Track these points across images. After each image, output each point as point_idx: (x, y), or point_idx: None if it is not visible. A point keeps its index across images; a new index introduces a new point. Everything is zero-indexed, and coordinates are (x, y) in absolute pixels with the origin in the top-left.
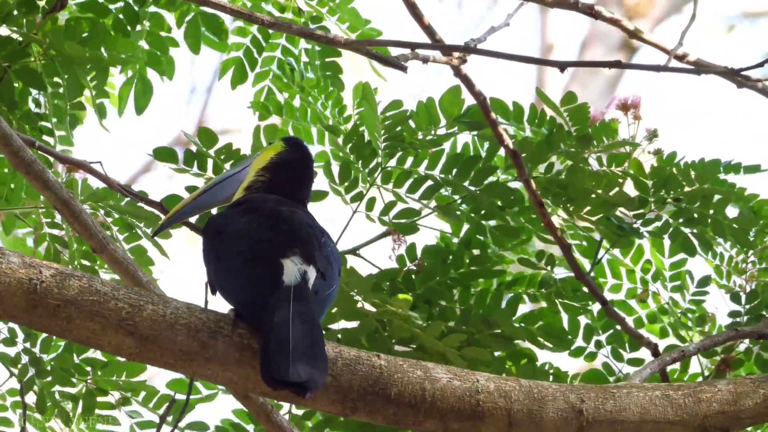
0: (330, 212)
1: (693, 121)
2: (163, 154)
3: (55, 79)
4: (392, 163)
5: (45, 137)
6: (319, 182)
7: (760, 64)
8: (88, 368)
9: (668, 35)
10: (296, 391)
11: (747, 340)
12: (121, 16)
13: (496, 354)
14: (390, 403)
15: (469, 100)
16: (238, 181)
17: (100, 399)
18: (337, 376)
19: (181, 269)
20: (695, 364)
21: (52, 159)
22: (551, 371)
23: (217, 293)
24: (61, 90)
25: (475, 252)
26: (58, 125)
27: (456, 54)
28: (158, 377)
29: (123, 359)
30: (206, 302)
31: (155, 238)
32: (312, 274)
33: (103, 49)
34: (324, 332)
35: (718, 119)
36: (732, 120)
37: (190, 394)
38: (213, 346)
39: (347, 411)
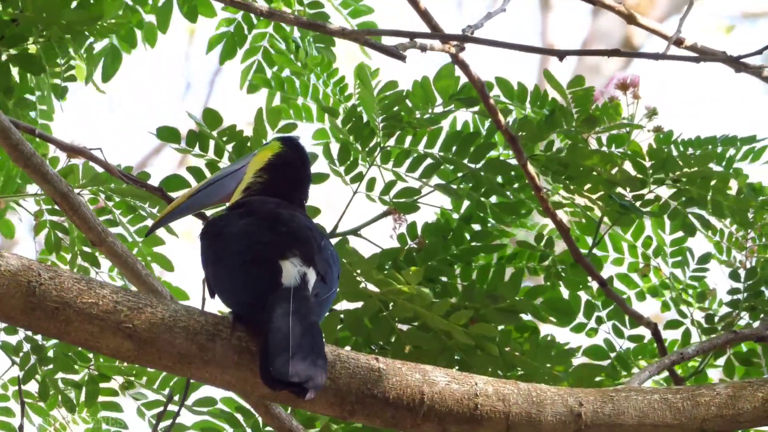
0: (330, 193)
1: (692, 114)
2: (166, 133)
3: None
4: (391, 142)
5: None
6: (319, 164)
7: (759, 52)
8: (90, 354)
9: (669, 33)
10: (295, 392)
11: (746, 315)
12: None
13: (501, 328)
14: (388, 406)
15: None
16: (235, 179)
17: (103, 385)
18: (335, 379)
19: (179, 263)
20: (697, 338)
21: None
22: (553, 344)
23: (216, 296)
24: (53, 60)
25: (476, 227)
26: (41, 99)
27: (454, 42)
28: None
29: None
30: (203, 303)
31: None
32: (312, 276)
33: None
34: (327, 314)
35: (717, 109)
36: (730, 110)
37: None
38: (211, 349)
39: (345, 414)
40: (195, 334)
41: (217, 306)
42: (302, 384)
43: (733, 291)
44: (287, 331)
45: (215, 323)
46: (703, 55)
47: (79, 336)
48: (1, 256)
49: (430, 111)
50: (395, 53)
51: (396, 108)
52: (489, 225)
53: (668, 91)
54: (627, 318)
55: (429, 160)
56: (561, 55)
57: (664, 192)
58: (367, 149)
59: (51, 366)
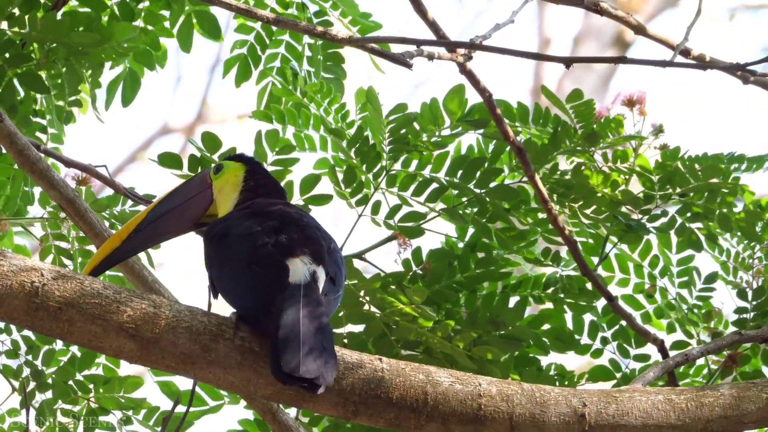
0: (335, 216)
1: (686, 113)
2: (168, 160)
3: (56, 79)
4: (397, 166)
5: (38, 134)
6: (324, 186)
7: (766, 59)
8: (90, 386)
9: (663, 29)
10: (306, 387)
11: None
12: (117, 11)
13: (502, 359)
14: (392, 407)
15: (472, 96)
16: (192, 208)
17: (101, 418)
18: (338, 380)
19: (177, 262)
20: (701, 360)
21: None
22: (555, 374)
23: (219, 296)
24: (59, 83)
25: (481, 255)
26: (51, 123)
27: (461, 51)
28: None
29: (123, 375)
30: (209, 305)
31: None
32: (321, 275)
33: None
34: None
35: (714, 111)
36: (731, 112)
37: (191, 404)
38: (215, 350)
39: (349, 414)
40: (198, 334)
41: (221, 306)
42: (313, 380)
43: (740, 310)
44: (298, 327)
45: (218, 324)
46: (709, 62)
47: (82, 336)
48: (4, 256)
49: (437, 133)
50: (402, 61)
51: (403, 131)
52: (494, 254)
53: (665, 93)
54: (633, 337)
55: (434, 185)
56: (567, 62)
57: (671, 208)
58: (372, 173)
59: (49, 393)
